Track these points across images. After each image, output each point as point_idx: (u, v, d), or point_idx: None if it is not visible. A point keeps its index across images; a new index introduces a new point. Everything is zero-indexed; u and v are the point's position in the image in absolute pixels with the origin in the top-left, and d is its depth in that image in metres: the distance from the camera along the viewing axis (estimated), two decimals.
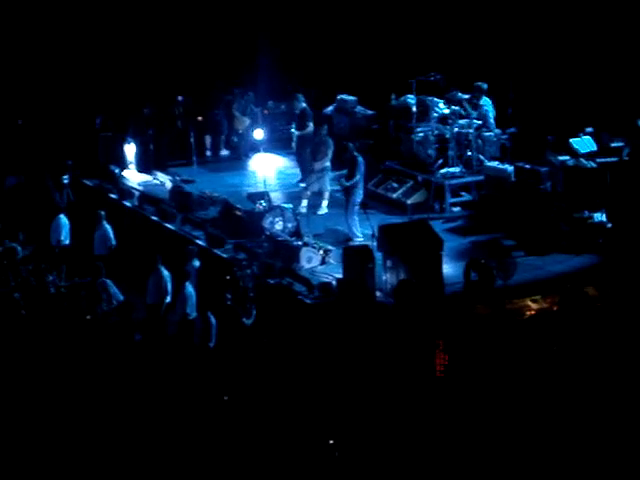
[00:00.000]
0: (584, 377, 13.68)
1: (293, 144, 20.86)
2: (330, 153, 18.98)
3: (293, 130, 20.68)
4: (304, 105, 20.70)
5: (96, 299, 16.71)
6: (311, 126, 20.40)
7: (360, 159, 17.80)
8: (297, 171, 20.79)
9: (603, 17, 21.48)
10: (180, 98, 23.10)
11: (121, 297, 16.65)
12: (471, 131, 19.32)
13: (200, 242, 18.01)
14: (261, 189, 19.04)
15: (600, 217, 17.13)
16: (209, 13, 26.03)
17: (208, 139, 23.06)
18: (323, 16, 25.33)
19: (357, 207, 17.59)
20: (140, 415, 13.85)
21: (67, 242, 19.38)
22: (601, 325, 14.58)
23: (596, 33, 21.43)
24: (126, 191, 20.73)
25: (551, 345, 14.33)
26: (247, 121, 22.35)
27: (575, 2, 21.97)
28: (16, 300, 16.53)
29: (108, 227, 19.04)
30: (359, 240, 17.26)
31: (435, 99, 19.68)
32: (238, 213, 18.48)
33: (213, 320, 15.57)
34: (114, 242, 18.96)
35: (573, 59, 21.59)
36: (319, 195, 19.03)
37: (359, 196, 17.70)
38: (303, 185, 19.80)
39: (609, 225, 17.02)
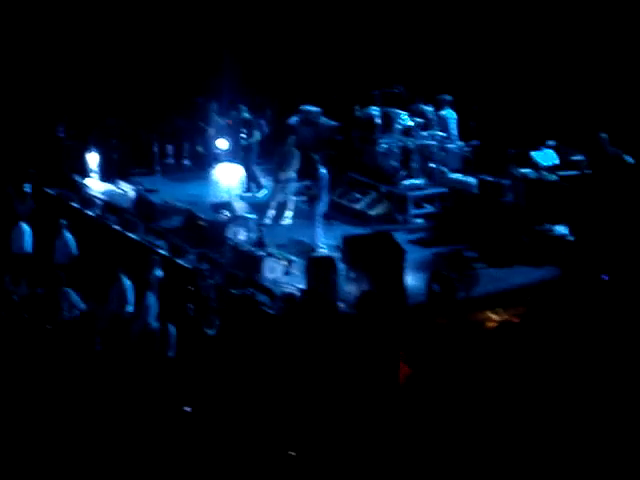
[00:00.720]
0: (545, 388, 13.79)
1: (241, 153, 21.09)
2: (296, 164, 19.03)
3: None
4: (247, 115, 20.92)
5: (56, 308, 16.59)
6: (256, 135, 20.57)
7: (323, 172, 17.82)
8: (262, 181, 20.82)
9: (564, 32, 21.71)
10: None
11: (82, 306, 16.54)
12: (434, 143, 19.44)
13: (163, 252, 17.96)
14: (224, 199, 19.03)
15: (561, 230, 17.29)
16: (174, 23, 26.02)
17: (170, 149, 23.04)
18: (287, 27, 25.40)
19: (321, 218, 17.63)
20: (99, 425, 13.77)
21: (29, 250, 19.25)
22: (562, 336, 14.70)
23: (557, 46, 21.65)
24: (89, 200, 20.63)
25: (512, 356, 14.42)
26: (210, 131, 22.35)
27: (536, 16, 22.18)
28: None
29: (69, 236, 18.91)
30: (322, 251, 17.30)
31: (398, 111, 19.79)
32: (201, 223, 18.46)
33: (172, 330, 15.53)
34: (75, 251, 18.85)
35: (535, 73, 21.79)
36: (283, 205, 19.05)
37: (323, 207, 17.74)
38: (247, 195, 20.12)
39: (570, 238, 17.18)
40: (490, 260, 16.95)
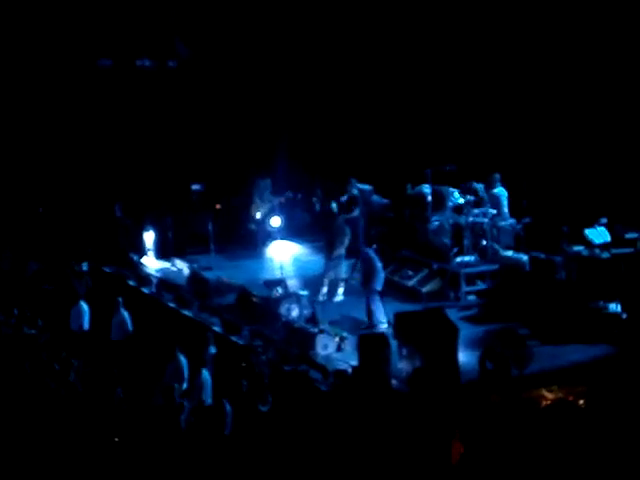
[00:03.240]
0: (601, 468, 13.61)
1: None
2: (346, 241, 19.21)
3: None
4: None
5: (112, 385, 16.74)
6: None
7: (366, 250, 17.93)
8: (314, 258, 20.98)
9: (615, 102, 21.77)
10: (196, 187, 23.50)
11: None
12: (486, 220, 19.51)
13: (217, 328, 18.13)
14: (278, 276, 19.23)
15: (615, 307, 17.17)
16: (228, 104, 26.57)
17: (225, 227, 23.35)
18: (340, 108, 25.80)
19: (377, 294, 17.62)
20: None
21: (87, 328, 19.52)
22: (619, 416, 14.53)
23: (610, 125, 21.73)
24: (144, 278, 20.95)
25: (567, 435, 14.27)
26: (266, 207, 22.56)
27: (585, 87, 22.26)
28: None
29: (125, 313, 19.18)
30: (384, 326, 17.21)
31: (450, 189, 19.93)
32: (255, 300, 18.64)
33: (228, 407, 15.58)
34: (131, 328, 19.09)
35: (588, 151, 21.86)
36: (335, 282, 19.18)
37: (378, 284, 17.75)
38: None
39: (624, 316, 17.06)
40: (543, 337, 16.86)
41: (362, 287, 18.12)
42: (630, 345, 16.31)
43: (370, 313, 17.54)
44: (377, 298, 17.69)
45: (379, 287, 17.74)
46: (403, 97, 25.07)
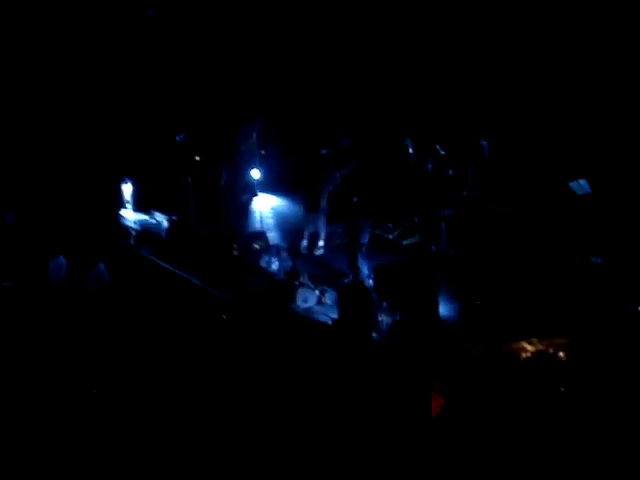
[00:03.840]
0: (579, 419, 13.67)
1: None
2: (326, 194, 19.08)
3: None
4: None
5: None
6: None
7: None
8: (294, 211, 20.85)
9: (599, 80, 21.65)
10: (178, 138, 23.22)
11: None
12: (469, 173, 19.44)
13: (196, 281, 18.03)
14: (258, 229, 19.10)
15: (596, 260, 17.17)
16: (210, 51, 26.23)
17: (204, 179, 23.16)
18: (326, 62, 25.53)
19: (363, 248, 17.53)
20: None
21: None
22: (598, 368, 14.58)
23: (596, 93, 21.59)
24: (123, 230, 20.80)
25: (547, 387, 14.31)
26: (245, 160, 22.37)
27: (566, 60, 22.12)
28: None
29: (102, 266, 19.04)
30: (370, 281, 17.03)
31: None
32: (234, 252, 18.53)
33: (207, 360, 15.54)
34: (108, 280, 18.97)
35: (574, 107, 21.73)
36: (315, 235, 19.09)
37: (364, 237, 17.64)
38: None
39: (604, 267, 17.06)
40: (524, 289, 16.85)
41: (346, 242, 18.07)
42: (611, 296, 16.32)
43: (355, 268, 17.43)
44: (360, 252, 17.61)
45: (364, 241, 17.66)
46: (388, 58, 24.79)
